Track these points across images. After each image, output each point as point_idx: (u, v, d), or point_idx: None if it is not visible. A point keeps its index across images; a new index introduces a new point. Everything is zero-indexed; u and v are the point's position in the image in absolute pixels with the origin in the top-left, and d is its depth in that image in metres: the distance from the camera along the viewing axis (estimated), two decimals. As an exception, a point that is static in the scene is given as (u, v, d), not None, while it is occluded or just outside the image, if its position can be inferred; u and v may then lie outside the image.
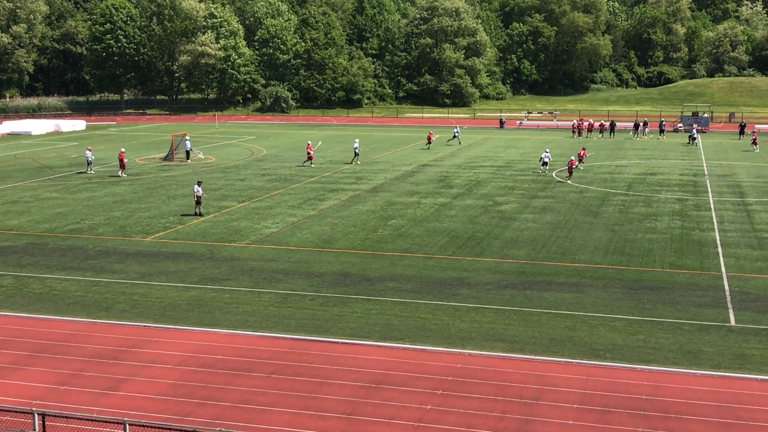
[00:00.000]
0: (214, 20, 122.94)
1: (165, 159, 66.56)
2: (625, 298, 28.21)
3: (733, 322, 25.67)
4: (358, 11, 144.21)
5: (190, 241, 36.89)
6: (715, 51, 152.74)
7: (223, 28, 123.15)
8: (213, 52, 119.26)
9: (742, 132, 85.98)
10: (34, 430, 16.09)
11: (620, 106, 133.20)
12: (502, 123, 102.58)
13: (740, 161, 65.94)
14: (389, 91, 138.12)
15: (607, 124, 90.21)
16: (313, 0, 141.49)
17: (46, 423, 16.25)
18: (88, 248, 35.60)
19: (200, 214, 42.53)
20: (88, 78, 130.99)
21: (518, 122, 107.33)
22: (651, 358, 22.62)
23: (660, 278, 30.69)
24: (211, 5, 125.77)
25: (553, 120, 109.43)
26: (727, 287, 29.54)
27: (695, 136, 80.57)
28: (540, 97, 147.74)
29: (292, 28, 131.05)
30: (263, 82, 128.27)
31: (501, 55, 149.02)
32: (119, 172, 57.14)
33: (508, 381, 21.05)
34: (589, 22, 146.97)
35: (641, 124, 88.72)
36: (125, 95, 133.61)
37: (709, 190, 51.28)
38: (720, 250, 35.19)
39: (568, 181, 54.34)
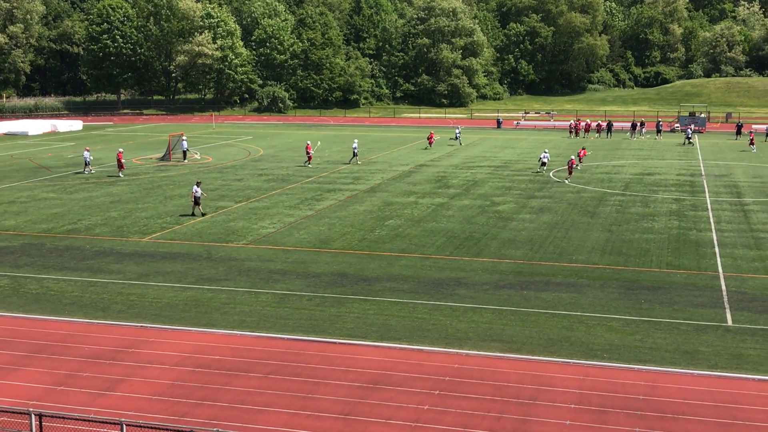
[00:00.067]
0: (211, 20, 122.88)
1: (162, 159, 66.51)
2: (622, 298, 28.22)
3: (730, 322, 25.69)
4: (355, 11, 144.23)
5: (187, 242, 36.86)
6: (712, 51, 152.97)
7: (220, 28, 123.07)
8: (210, 52, 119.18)
9: (738, 132, 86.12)
10: (31, 430, 16.05)
11: (617, 106, 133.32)
12: (499, 123, 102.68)
13: (737, 161, 66.02)
14: (386, 91, 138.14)
15: (604, 124, 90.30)
16: (310, 0, 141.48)
17: (43, 423, 16.22)
18: (85, 248, 35.56)
19: (203, 214, 42.52)
20: (85, 78, 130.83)
21: (515, 122, 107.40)
22: (648, 358, 22.63)
23: (657, 278, 30.71)
24: (208, 5, 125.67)
25: (550, 120, 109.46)
26: (724, 287, 29.56)
27: (690, 135, 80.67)
28: (537, 97, 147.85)
29: (289, 28, 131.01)
30: (260, 82, 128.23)
31: (498, 55, 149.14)
32: (119, 173, 57.09)
33: (506, 381, 21.05)
34: (586, 22, 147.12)
35: (638, 124, 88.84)
36: (122, 95, 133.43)
37: (706, 190, 51.33)
38: (717, 250, 35.22)
39: (566, 181, 54.39)
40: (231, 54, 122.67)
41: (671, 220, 41.49)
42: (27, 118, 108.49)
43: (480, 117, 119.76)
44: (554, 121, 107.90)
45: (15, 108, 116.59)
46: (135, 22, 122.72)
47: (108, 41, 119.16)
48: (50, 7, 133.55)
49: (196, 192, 42.37)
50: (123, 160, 57.69)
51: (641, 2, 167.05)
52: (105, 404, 19.57)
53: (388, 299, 27.99)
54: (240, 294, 28.72)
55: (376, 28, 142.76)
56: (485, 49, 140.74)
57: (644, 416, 19.07)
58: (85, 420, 17.13)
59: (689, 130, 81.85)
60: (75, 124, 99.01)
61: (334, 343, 23.81)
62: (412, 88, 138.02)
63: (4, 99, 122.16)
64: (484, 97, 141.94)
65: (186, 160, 65.42)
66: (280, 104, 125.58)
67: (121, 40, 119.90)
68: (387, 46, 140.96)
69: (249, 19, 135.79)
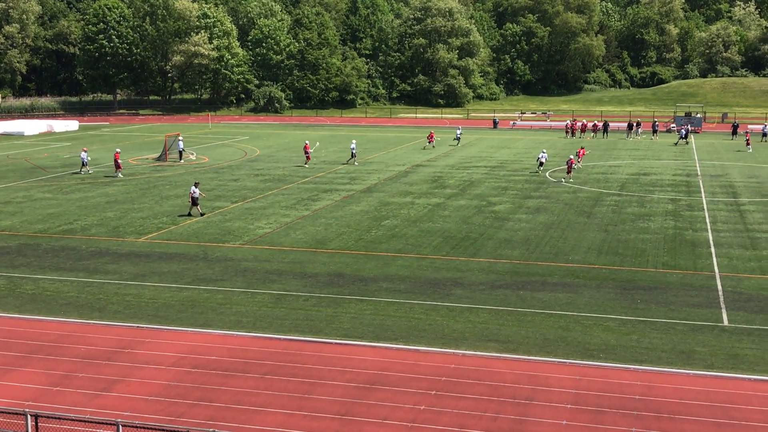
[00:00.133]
0: (208, 20, 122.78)
1: (158, 159, 66.45)
2: (619, 298, 28.25)
3: (726, 322, 25.73)
4: (352, 11, 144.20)
5: (183, 242, 36.82)
6: (707, 51, 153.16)
7: (217, 29, 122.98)
8: (206, 53, 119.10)
9: (734, 132, 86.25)
10: (27, 431, 16.03)
11: (613, 106, 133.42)
12: (495, 123, 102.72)
13: (733, 161, 66.11)
14: (383, 91, 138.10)
15: (600, 124, 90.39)
16: (306, 0, 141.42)
17: (39, 424, 16.20)
18: (81, 249, 35.52)
19: (202, 214, 42.48)
20: (80, 78, 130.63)
21: (512, 122, 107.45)
22: (644, 358, 22.65)
23: (653, 278, 30.74)
24: (204, 5, 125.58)
25: (546, 120, 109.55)
26: (720, 287, 29.60)
27: (683, 135, 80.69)
28: (533, 98, 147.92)
29: (286, 29, 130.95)
30: (257, 82, 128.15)
31: (494, 55, 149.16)
32: (118, 173, 56.99)
33: (502, 381, 21.06)
34: (583, 22, 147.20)
35: (634, 124, 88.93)
36: (118, 95, 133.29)
37: (702, 190, 51.40)
38: (713, 250, 35.27)
39: (563, 181, 54.46)
40: (227, 54, 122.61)
41: (667, 220, 41.54)
42: (23, 118, 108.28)
43: (476, 117, 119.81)
44: (550, 121, 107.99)
45: (11, 108, 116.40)
46: (131, 22, 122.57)
47: (104, 41, 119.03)
48: (46, 7, 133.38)
49: (194, 192, 42.34)
50: (120, 161, 57.60)
51: (637, 2, 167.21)
52: (101, 405, 19.54)
53: (385, 299, 27.99)
54: (236, 294, 28.69)
55: (372, 29, 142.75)
56: (481, 50, 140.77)
57: (641, 416, 19.08)
58: (80, 420, 17.11)
59: (683, 130, 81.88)
60: (71, 125, 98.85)
61: (331, 343, 23.81)
62: (409, 89, 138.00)
63: (0, 99, 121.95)
64: (480, 97, 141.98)
65: (182, 161, 65.37)
66: (277, 104, 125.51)
67: (117, 40, 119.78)
68: (383, 46, 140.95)
69: (245, 20, 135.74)
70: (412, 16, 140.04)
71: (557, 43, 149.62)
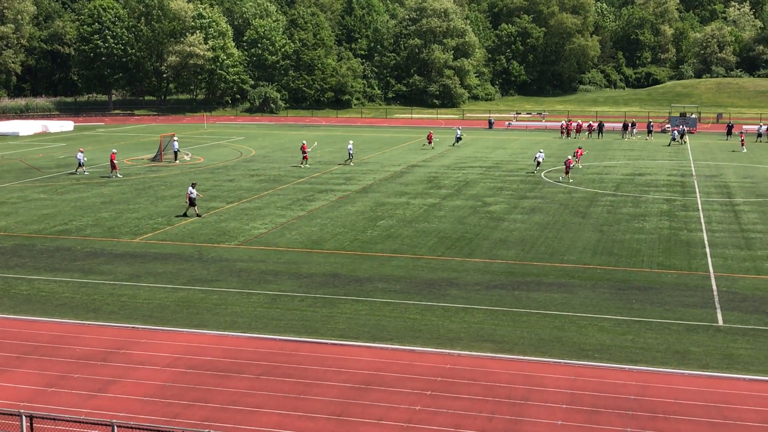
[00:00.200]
0: (203, 21, 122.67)
1: (153, 160, 66.38)
2: (614, 298, 28.29)
3: (720, 322, 25.78)
4: (347, 12, 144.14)
5: (178, 242, 36.80)
6: (702, 52, 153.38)
7: (212, 29, 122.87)
8: (201, 53, 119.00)
9: (729, 133, 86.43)
10: (22, 432, 16.01)
11: (608, 106, 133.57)
12: (490, 124, 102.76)
13: (728, 162, 66.24)
14: (378, 91, 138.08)
15: (596, 124, 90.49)
16: (301, 0, 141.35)
17: (34, 425, 16.17)
18: (76, 249, 35.47)
19: (198, 215, 42.44)
20: (76, 78, 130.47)
21: (507, 123, 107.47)
22: (639, 358, 22.69)
23: (648, 278, 30.79)
24: (199, 6, 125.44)
25: (541, 121, 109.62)
26: (714, 287, 29.66)
27: (675, 136, 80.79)
28: (529, 98, 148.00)
29: (281, 29, 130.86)
30: (252, 82, 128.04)
31: (490, 55, 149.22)
32: (116, 174, 56.90)
33: (497, 381, 21.07)
34: (578, 23, 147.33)
35: (629, 124, 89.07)
36: (113, 96, 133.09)
37: (697, 190, 51.49)
38: (708, 250, 35.34)
39: (561, 178, 54.55)
40: (222, 54, 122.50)
41: (662, 221, 41.61)
42: (18, 118, 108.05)
43: (472, 118, 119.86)
44: (546, 121, 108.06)
45: (6, 108, 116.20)
46: (126, 23, 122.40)
47: (99, 42, 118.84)
48: (41, 8, 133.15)
49: (192, 193, 42.29)
50: (115, 161, 57.51)
51: (632, 3, 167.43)
52: (96, 405, 19.52)
53: (380, 300, 27.99)
54: (231, 295, 28.68)
55: (367, 29, 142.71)
56: (477, 50, 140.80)
57: (635, 416, 19.12)
58: (76, 421, 17.08)
59: (676, 131, 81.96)
60: (66, 125, 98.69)
61: (326, 343, 23.81)
62: (404, 89, 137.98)
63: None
64: (475, 97, 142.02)
65: (177, 161, 65.31)
66: (272, 105, 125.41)
67: (112, 40, 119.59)
68: (379, 46, 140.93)
69: (240, 20, 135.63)
70: (407, 17, 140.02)
71: (552, 44, 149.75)
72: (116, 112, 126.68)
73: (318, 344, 23.74)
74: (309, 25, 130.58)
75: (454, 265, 32.71)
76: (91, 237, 37.95)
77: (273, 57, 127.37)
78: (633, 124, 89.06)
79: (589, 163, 64.52)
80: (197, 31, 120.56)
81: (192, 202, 42.40)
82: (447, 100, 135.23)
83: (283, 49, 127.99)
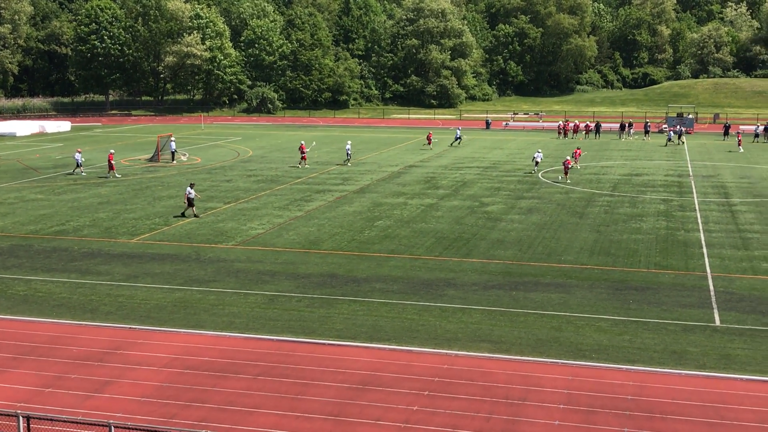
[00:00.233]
0: (200, 21, 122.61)
1: (150, 160, 66.34)
2: (611, 298, 28.31)
3: (718, 323, 25.80)
4: (345, 12, 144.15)
5: (175, 243, 36.77)
6: (699, 52, 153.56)
7: (209, 29, 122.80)
8: (199, 53, 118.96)
9: (726, 133, 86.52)
10: (19, 433, 15.98)
11: (605, 107, 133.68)
12: (488, 124, 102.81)
13: (725, 162, 66.31)
14: (375, 92, 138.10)
15: (593, 125, 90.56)
16: (299, 1, 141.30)
17: (31, 426, 16.15)
18: (73, 250, 35.43)
19: (196, 215, 42.42)
20: (73, 79, 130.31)
21: (504, 123, 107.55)
22: (636, 358, 22.70)
23: (645, 279, 30.81)
24: (196, 6, 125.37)
25: (539, 121, 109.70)
26: (712, 287, 29.69)
27: (671, 137, 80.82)
28: (526, 98, 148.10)
29: (278, 29, 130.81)
30: (249, 83, 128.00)
31: (487, 56, 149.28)
32: (114, 174, 56.83)
33: (495, 381, 21.08)
34: (575, 23, 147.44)
35: (627, 125, 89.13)
36: (110, 96, 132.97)
37: (694, 190, 51.54)
38: (705, 250, 35.37)
39: (559, 177, 54.61)
40: (220, 55, 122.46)
41: (659, 221, 41.64)
42: (15, 118, 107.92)
43: (469, 118, 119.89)
44: (543, 122, 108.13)
45: (3, 109, 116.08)
46: (123, 23, 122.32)
47: (96, 42, 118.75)
48: (38, 8, 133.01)
49: (190, 194, 42.26)
50: (113, 161, 57.43)
51: (629, 3, 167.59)
52: (93, 406, 19.50)
53: (378, 300, 27.99)
54: (229, 295, 28.66)
55: (365, 29, 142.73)
56: (474, 50, 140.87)
57: (632, 416, 19.13)
58: (73, 422, 17.06)
59: (671, 132, 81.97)
60: (63, 125, 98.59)
61: (324, 344, 23.80)
62: (402, 89, 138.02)
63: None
64: (473, 98, 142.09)
65: (174, 161, 65.27)
66: (269, 105, 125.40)
67: (109, 40, 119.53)
68: (376, 47, 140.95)
69: (238, 20, 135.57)
70: (404, 17, 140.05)
71: (549, 44, 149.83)
72: (113, 112, 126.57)
73: (315, 344, 23.74)
74: (306, 25, 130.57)
75: (452, 265, 32.72)
76: (88, 237, 37.92)
77: (270, 57, 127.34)
78: (630, 125, 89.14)
79: (587, 164, 64.56)
80: (194, 32, 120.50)
81: (190, 203, 42.37)
82: (444, 100, 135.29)
83: (280, 50, 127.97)
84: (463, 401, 19.88)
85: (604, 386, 20.81)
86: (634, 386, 20.81)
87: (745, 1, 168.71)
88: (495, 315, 26.42)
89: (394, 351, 23.27)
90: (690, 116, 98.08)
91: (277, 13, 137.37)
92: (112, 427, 15.56)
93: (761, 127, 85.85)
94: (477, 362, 22.41)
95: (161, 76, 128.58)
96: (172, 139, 67.07)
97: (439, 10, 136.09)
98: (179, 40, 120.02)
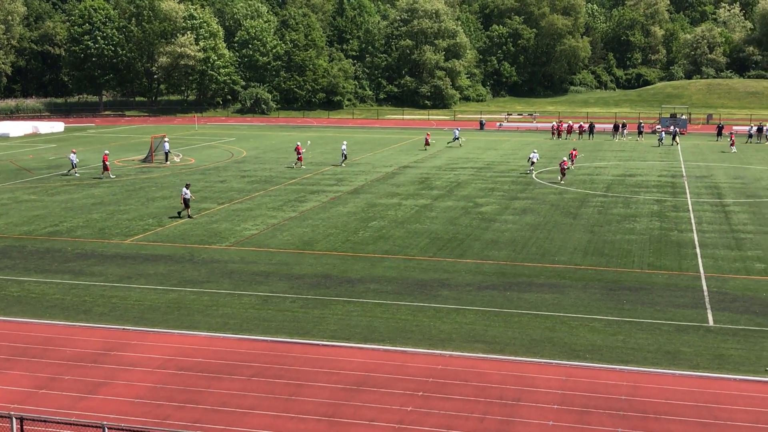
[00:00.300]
0: (194, 21, 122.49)
1: (144, 161, 66.24)
2: (605, 298, 28.35)
3: (711, 323, 25.86)
4: (338, 13, 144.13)
5: (169, 244, 36.71)
6: (692, 53, 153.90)
7: (203, 30, 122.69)
8: (192, 54, 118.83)
9: (719, 133, 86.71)
10: (12, 434, 15.94)
11: (599, 107, 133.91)
12: (482, 125, 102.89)
13: (718, 162, 66.47)
14: (369, 92, 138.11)
15: (586, 125, 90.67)
16: (293, 1, 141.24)
17: (25, 427, 16.11)
18: (67, 251, 35.35)
19: (190, 216, 42.36)
20: (66, 79, 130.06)
21: (498, 124, 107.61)
22: (630, 358, 22.74)
23: (639, 279, 30.87)
24: (190, 6, 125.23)
25: (532, 122, 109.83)
26: (705, 288, 29.76)
27: (662, 137, 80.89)
28: (520, 99, 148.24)
29: (272, 30, 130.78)
30: (243, 83, 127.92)
31: (481, 57, 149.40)
32: (109, 175, 56.71)
33: (489, 382, 21.09)
34: (568, 24, 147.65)
35: (620, 125, 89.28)
36: (104, 97, 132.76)
37: (687, 191, 51.64)
38: (698, 250, 35.44)
39: (559, 178, 54.66)
40: (213, 55, 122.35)
41: (653, 221, 41.72)
42: (8, 119, 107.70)
43: (463, 119, 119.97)
44: (537, 122, 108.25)
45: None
46: (117, 23, 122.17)
47: (90, 42, 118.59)
48: (31, 8, 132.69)
49: (186, 194, 42.20)
50: (108, 162, 57.29)
51: (623, 4, 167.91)
52: (87, 407, 19.46)
53: (372, 301, 27.99)
54: (223, 296, 28.63)
55: (359, 30, 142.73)
56: (468, 51, 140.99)
57: (626, 416, 19.16)
58: (66, 423, 17.03)
59: (663, 133, 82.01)
60: (56, 126, 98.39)
61: (318, 344, 23.79)
62: (396, 90, 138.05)
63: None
64: (467, 98, 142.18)
65: (168, 162, 65.18)
66: (263, 106, 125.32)
67: (102, 41, 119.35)
68: (370, 47, 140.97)
69: (231, 21, 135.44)
70: (398, 18, 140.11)
71: (543, 45, 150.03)
72: (107, 113, 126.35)
73: (309, 345, 23.73)
74: (300, 26, 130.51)
75: (446, 265, 32.74)
76: (82, 238, 37.84)
77: (264, 58, 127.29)
78: (624, 125, 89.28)
79: (580, 164, 64.64)
80: (188, 32, 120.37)
81: (186, 203, 42.32)
82: (438, 101, 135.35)
83: (274, 50, 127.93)
84: (457, 402, 19.89)
85: (598, 386, 20.85)
86: (627, 386, 20.85)
87: (738, 2, 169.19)
88: (489, 315, 26.44)
89: (388, 351, 23.27)
90: (683, 117, 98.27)
91: (271, 13, 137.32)
92: (106, 429, 15.53)
93: (755, 128, 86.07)
94: (471, 363, 22.42)
95: (155, 76, 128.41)
96: (166, 139, 67.00)
97: (433, 11, 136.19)
98: (173, 40, 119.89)
